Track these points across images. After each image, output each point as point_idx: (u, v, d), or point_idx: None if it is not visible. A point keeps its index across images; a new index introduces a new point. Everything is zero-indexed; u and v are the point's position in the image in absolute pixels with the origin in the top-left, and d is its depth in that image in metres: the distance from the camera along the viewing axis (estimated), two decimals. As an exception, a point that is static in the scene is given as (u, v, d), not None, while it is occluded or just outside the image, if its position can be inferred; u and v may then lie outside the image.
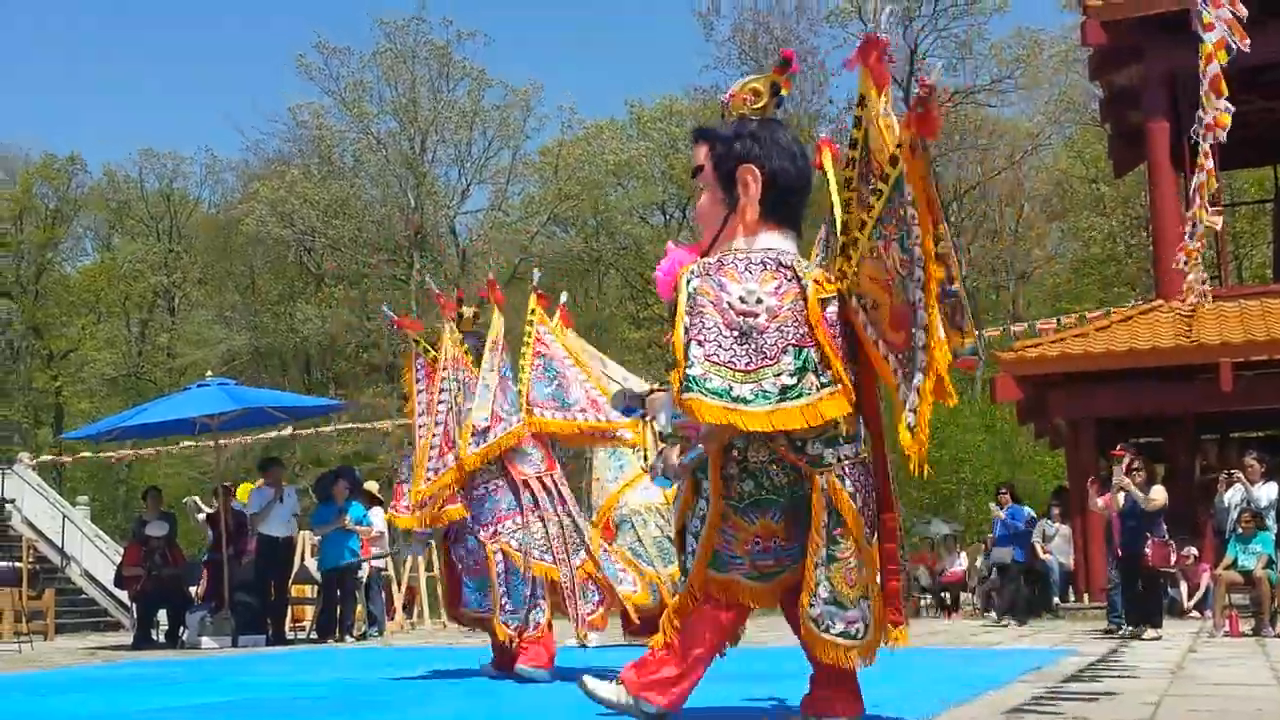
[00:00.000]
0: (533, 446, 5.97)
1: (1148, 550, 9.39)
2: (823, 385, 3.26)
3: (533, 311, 6.32)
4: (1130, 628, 9.46)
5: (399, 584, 16.07)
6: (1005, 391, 15.35)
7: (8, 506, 14.57)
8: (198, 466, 30.10)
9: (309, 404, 16.95)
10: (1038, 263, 35.01)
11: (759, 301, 3.28)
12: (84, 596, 17.60)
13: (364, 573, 12.79)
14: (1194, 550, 13.21)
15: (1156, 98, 14.80)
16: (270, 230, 35.62)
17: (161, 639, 12.20)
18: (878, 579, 3.41)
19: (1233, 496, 11.60)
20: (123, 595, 14.74)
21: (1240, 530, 10.46)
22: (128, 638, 12.83)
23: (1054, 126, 33.95)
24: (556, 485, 6.00)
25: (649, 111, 37.67)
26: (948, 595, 16.06)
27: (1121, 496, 9.59)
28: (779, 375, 3.23)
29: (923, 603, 16.11)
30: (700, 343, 3.25)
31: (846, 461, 3.34)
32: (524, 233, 36.58)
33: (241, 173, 41.13)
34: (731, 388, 3.21)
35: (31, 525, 17.88)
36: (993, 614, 13.49)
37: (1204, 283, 11.71)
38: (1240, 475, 11.49)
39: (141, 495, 12.22)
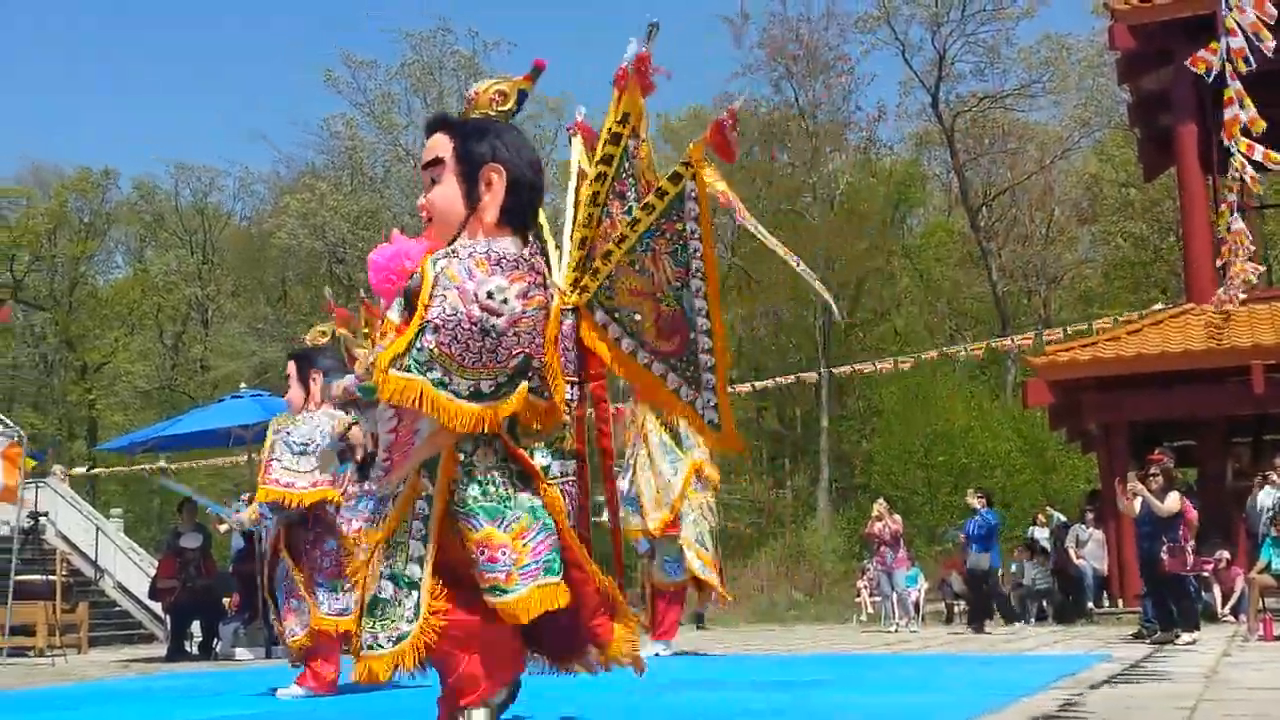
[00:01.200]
0: None
1: (1164, 556, 9.33)
2: (533, 392, 3.19)
3: None
4: (1160, 632, 9.39)
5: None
6: (1037, 396, 15.29)
7: (41, 520, 14.67)
8: (231, 478, 30.31)
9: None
10: (1068, 267, 34.83)
11: (505, 301, 3.13)
12: (117, 609, 17.73)
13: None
14: (1226, 554, 13.10)
15: (1185, 101, 14.70)
16: (301, 242, 35.90)
17: (195, 650, 12.28)
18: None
19: (1265, 500, 11.50)
20: (156, 607, 14.85)
21: (1274, 533, 10.36)
22: (161, 650, 12.92)
23: (1083, 130, 33.78)
24: None
25: (675, 122, 37.74)
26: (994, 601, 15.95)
27: (1138, 502, 9.53)
28: (497, 377, 3.11)
29: (956, 609, 16.02)
30: (435, 328, 3.08)
31: (567, 479, 3.37)
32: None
33: (273, 185, 41.47)
34: (452, 379, 3.08)
35: (65, 538, 18.03)
36: (1024, 621, 13.40)
37: (1242, 279, 11.59)
38: (1273, 478, 11.38)
39: (176, 508, 12.31)
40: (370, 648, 3.12)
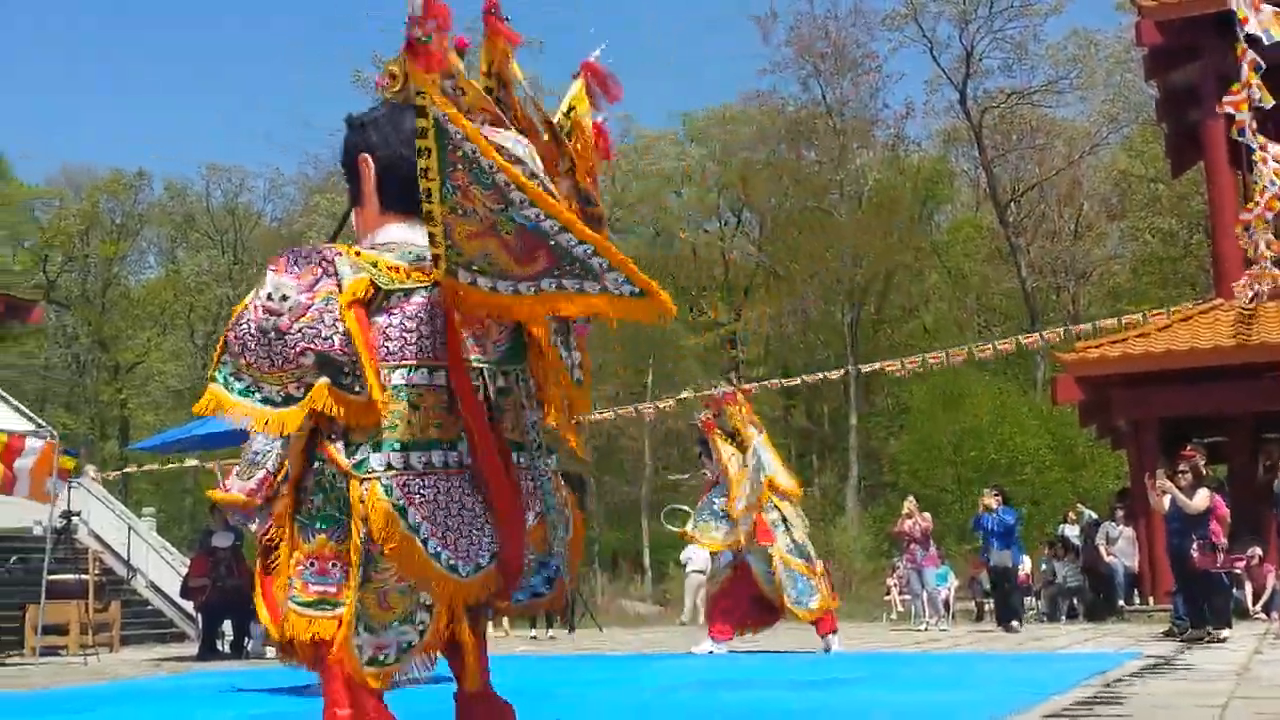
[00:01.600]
0: None
1: (1193, 553, 9.27)
2: (343, 388, 2.96)
3: None
4: (1192, 630, 9.33)
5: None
6: (1066, 393, 15.19)
7: (74, 519, 14.82)
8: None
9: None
10: (1097, 263, 34.62)
11: (284, 299, 2.99)
12: (150, 608, 17.88)
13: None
14: (1258, 551, 12.99)
15: (1212, 96, 14.57)
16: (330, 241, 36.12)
17: (227, 649, 12.37)
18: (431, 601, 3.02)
19: (1297, 496, 11.39)
20: (188, 606, 14.97)
21: (1306, 530, 10.27)
22: (193, 649, 13.02)
23: (1111, 126, 33.57)
24: None
25: (700, 120, 37.73)
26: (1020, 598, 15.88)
27: (1168, 500, 9.47)
28: (299, 378, 2.98)
29: (986, 607, 15.95)
30: (237, 338, 3.01)
31: (410, 471, 2.96)
32: (581, 241, 36.72)
33: (302, 186, 41.74)
34: (261, 388, 3.01)
35: (98, 537, 18.20)
36: (1058, 619, 13.32)
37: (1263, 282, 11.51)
38: (1305, 475, 11.28)
39: (209, 508, 12.40)
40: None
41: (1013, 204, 33.76)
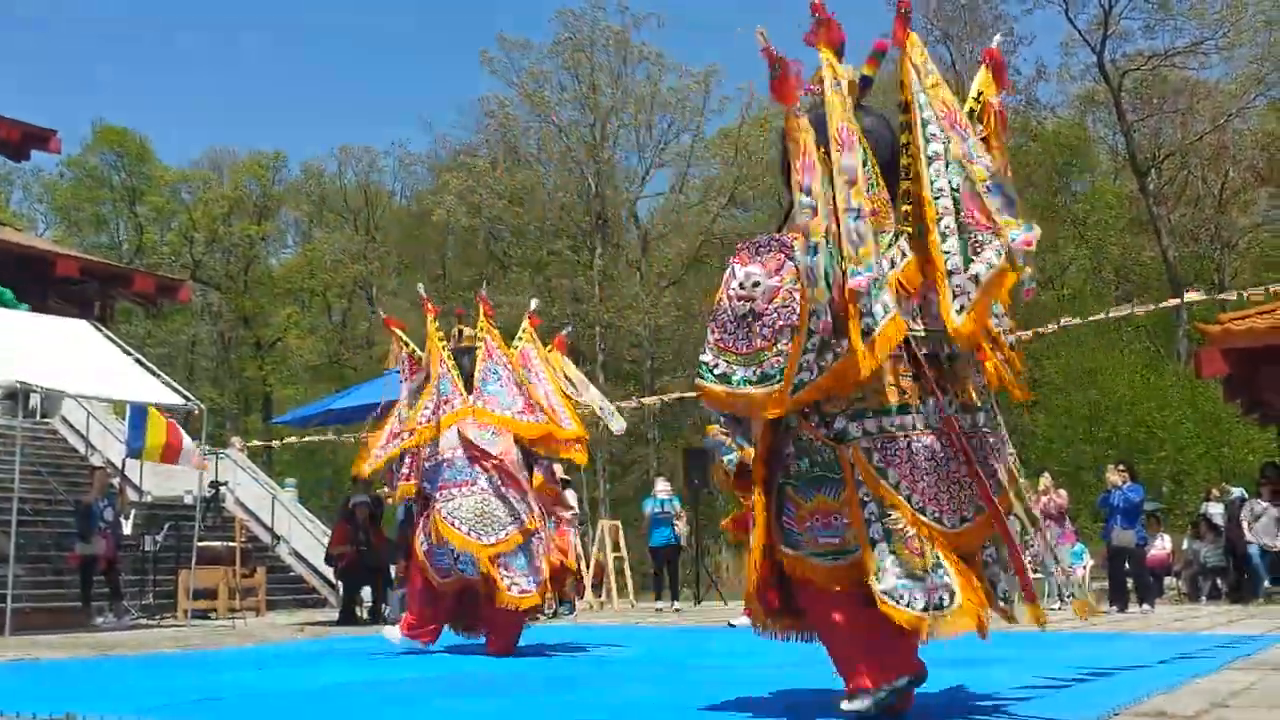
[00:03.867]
0: (491, 434, 6.73)
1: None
2: (829, 362, 3.24)
3: (523, 331, 7.49)
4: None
5: (588, 563, 16.38)
6: (1211, 366, 14.68)
7: (222, 489, 15.43)
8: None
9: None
10: (1244, 231, 33.22)
11: (755, 285, 3.29)
12: (293, 574, 18.51)
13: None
14: None
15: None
16: (459, 220, 36.65)
17: (365, 615, 12.75)
18: (946, 551, 3.25)
19: None
20: (328, 573, 15.46)
21: None
22: (333, 614, 13.45)
23: (1259, 88, 32.08)
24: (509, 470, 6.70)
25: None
26: (1151, 579, 15.45)
27: None
28: (778, 356, 3.24)
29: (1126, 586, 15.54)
30: (713, 329, 3.34)
31: (884, 435, 3.26)
32: (705, 214, 36.67)
33: (431, 165, 42.45)
34: (735, 370, 3.27)
35: (244, 506, 18.90)
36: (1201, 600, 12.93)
37: None
38: None
39: (351, 478, 12.78)
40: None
41: (1154, 170, 32.57)
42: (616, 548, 16.92)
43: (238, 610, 13.15)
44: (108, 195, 44.11)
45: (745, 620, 8.60)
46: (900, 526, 3.21)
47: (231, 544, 14.50)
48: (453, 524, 6.52)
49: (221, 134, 79.01)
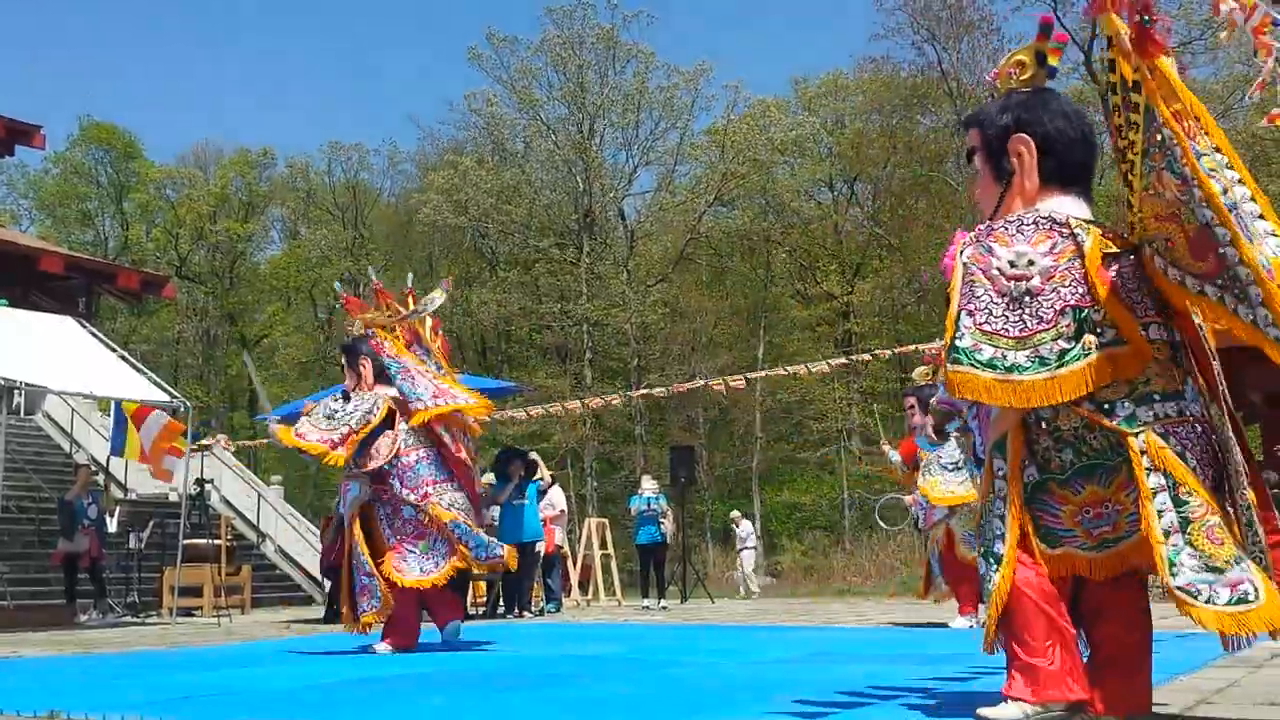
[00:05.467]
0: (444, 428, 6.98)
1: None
2: (1104, 345, 3.07)
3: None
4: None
5: (575, 562, 16.39)
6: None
7: (207, 486, 15.39)
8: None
9: (488, 386, 17.39)
10: (1230, 231, 33.43)
11: (1030, 264, 3.14)
12: (278, 572, 18.49)
13: (540, 549, 13.10)
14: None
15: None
16: (446, 218, 36.63)
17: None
18: (1248, 539, 3.03)
19: None
20: (314, 570, 15.44)
21: None
22: (319, 612, 13.42)
23: (1245, 88, 32.24)
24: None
25: (814, 87, 37.25)
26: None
27: None
28: (1057, 340, 3.08)
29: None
30: (970, 312, 3.14)
31: (1169, 420, 3.09)
32: (692, 213, 36.70)
33: (419, 163, 42.42)
34: (1005, 356, 3.08)
35: (229, 504, 18.87)
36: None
37: None
38: None
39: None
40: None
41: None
42: (603, 545, 16.93)
43: (223, 608, 13.12)
44: (94, 191, 43.94)
45: (963, 621, 8.54)
46: (1201, 514, 3.00)
47: (217, 541, 14.47)
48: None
49: (209, 130, 78.81)
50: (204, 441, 15.98)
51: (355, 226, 43.25)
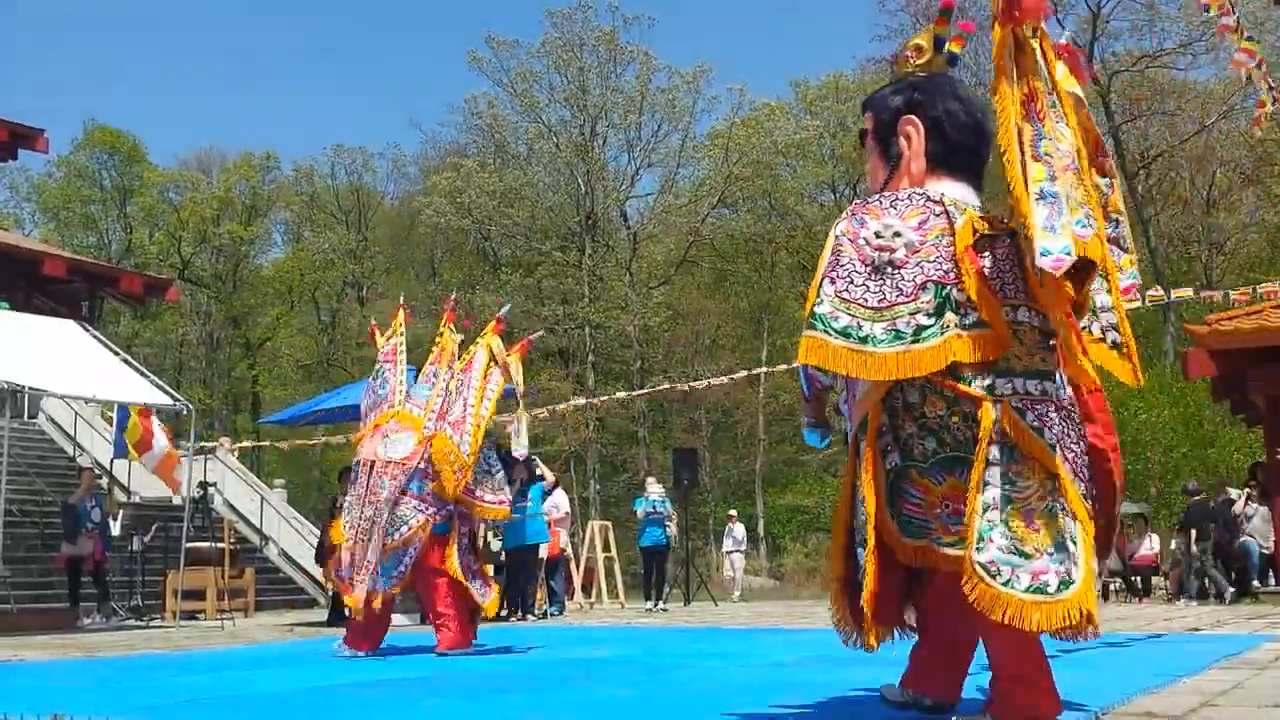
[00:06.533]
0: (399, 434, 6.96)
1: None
2: (966, 326, 2.98)
3: (483, 335, 7.45)
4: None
5: (578, 565, 16.39)
6: (1198, 367, 14.71)
7: (210, 490, 15.41)
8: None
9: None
10: (1232, 231, 33.35)
11: (897, 235, 3.07)
12: (281, 575, 18.48)
13: (544, 552, 13.10)
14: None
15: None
16: (448, 220, 36.65)
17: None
18: (1084, 532, 2.94)
19: None
20: (317, 573, 15.42)
21: None
22: (323, 614, 13.42)
23: (1246, 89, 32.18)
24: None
25: (814, 89, 37.24)
26: (1138, 579, 15.51)
27: None
28: (915, 314, 2.99)
29: (1112, 587, 15.60)
30: (832, 280, 3.06)
31: (1029, 396, 2.99)
32: (694, 215, 36.71)
33: (423, 166, 42.44)
34: (860, 326, 2.99)
35: (232, 507, 18.86)
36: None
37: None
38: None
39: (338, 476, 12.78)
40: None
41: (1142, 171, 32.68)
42: (606, 548, 16.92)
43: (226, 611, 13.12)
44: (97, 195, 43.98)
45: None
46: (1025, 496, 2.91)
47: (220, 545, 14.47)
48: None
49: (211, 134, 78.88)
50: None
51: (359, 229, 43.28)
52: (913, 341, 2.96)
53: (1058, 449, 2.96)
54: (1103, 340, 3.08)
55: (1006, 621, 2.82)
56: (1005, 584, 2.83)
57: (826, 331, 3.00)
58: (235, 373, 42.98)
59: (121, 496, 17.78)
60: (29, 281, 20.36)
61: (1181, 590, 14.42)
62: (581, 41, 35.95)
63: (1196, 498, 15.64)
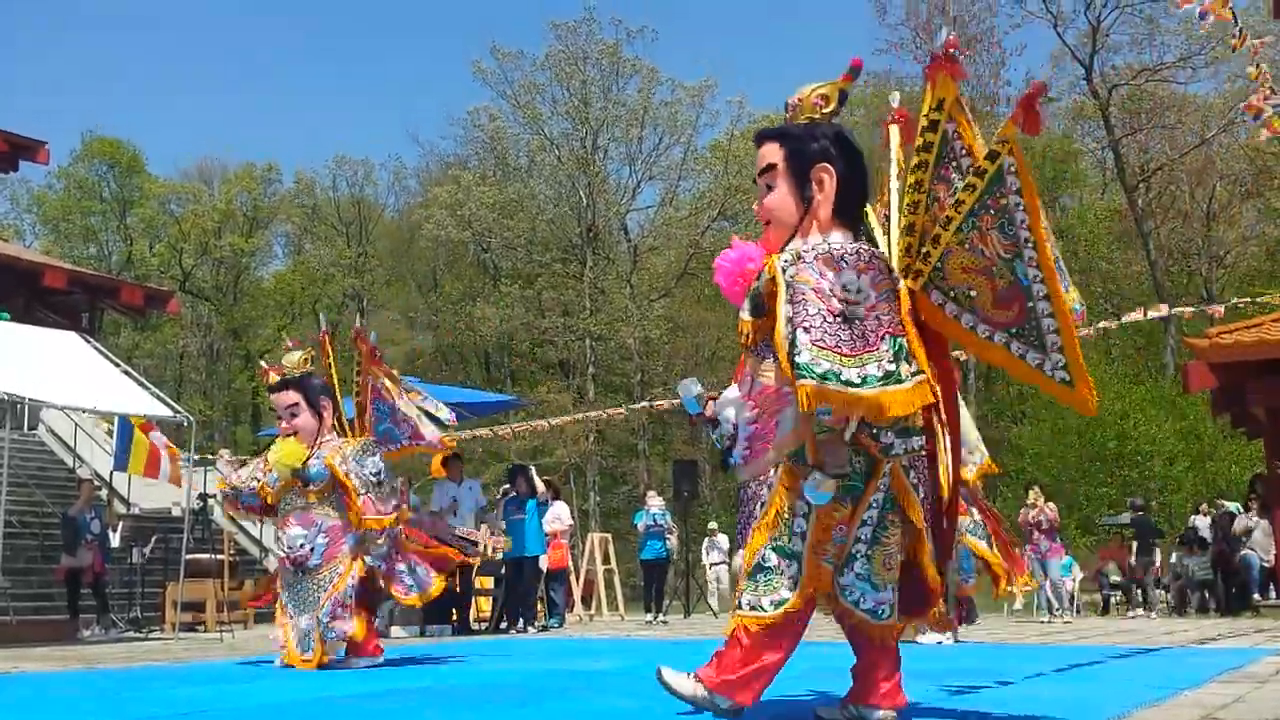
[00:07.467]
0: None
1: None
2: (914, 374, 3.31)
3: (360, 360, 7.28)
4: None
5: (578, 577, 16.36)
6: (1199, 380, 14.72)
7: (209, 501, 15.38)
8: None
9: (490, 400, 17.48)
10: (1232, 244, 33.37)
11: (859, 290, 3.33)
12: (281, 587, 18.44)
13: (543, 564, 13.09)
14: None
15: (1360, 66, 13.93)
16: (449, 233, 36.69)
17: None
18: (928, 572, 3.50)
19: None
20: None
21: None
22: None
23: (1247, 102, 32.27)
24: None
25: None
26: (1139, 592, 15.50)
27: None
28: (880, 362, 3.26)
29: (1113, 600, 15.59)
30: (806, 329, 3.25)
31: (915, 455, 3.40)
32: (695, 228, 36.74)
33: (423, 178, 42.50)
34: (841, 371, 3.21)
35: (232, 519, 18.83)
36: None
37: None
38: None
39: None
40: (753, 607, 3.40)
41: (1142, 184, 32.71)
42: (606, 560, 16.90)
43: (226, 623, 13.10)
44: (97, 207, 44.03)
45: (932, 637, 8.49)
46: (889, 542, 3.40)
47: (219, 556, 14.45)
48: None
49: (212, 136, 79.00)
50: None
51: (359, 242, 43.32)
52: (882, 384, 3.25)
53: (924, 503, 3.43)
54: (1052, 379, 3.36)
55: (859, 630, 3.45)
56: (854, 602, 3.39)
57: (814, 378, 3.20)
58: (235, 385, 42.98)
59: (121, 508, 17.75)
60: (29, 293, 20.37)
61: (1181, 603, 14.42)
62: (585, 54, 36.05)
63: (1140, 513, 15.73)
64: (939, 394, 3.48)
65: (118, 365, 13.64)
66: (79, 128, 58.38)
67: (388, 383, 7.02)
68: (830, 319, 3.27)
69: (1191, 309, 15.42)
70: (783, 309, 3.30)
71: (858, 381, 3.20)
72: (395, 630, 11.81)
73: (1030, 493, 14.34)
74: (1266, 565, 14.02)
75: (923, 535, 3.47)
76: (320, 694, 5.31)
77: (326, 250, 42.98)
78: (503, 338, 37.58)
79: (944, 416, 3.57)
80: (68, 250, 41.23)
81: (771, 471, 3.47)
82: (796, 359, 3.21)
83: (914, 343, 3.39)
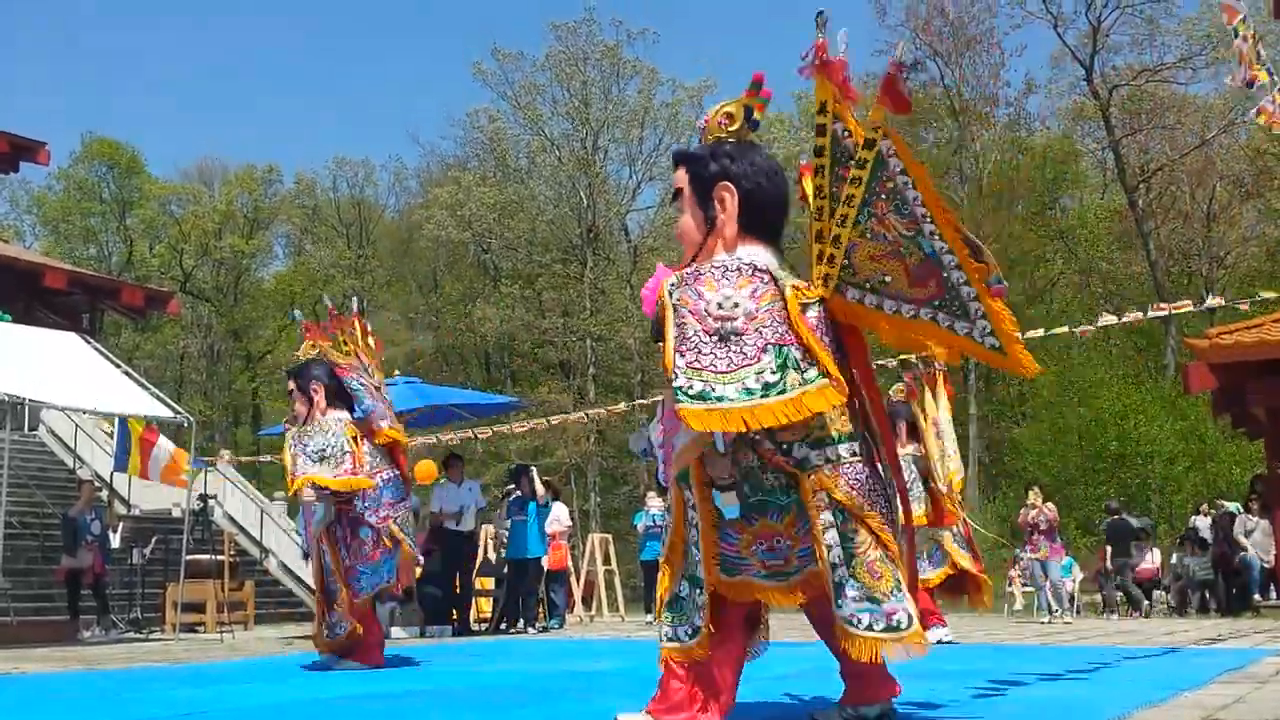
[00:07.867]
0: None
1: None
2: (806, 381, 3.26)
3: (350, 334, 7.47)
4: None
5: (578, 577, 16.36)
6: (1199, 381, 14.72)
7: (210, 502, 15.39)
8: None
9: (490, 401, 17.46)
10: (1232, 245, 33.36)
11: (735, 306, 3.32)
12: (281, 588, 18.45)
13: (544, 564, 13.09)
14: None
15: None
16: (449, 233, 36.69)
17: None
18: (905, 571, 3.41)
19: None
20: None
21: None
22: (323, 627, 13.37)
23: (1247, 103, 32.23)
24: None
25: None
26: (1120, 594, 15.51)
27: None
28: (760, 374, 3.24)
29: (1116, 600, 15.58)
30: (682, 353, 3.28)
31: (842, 462, 3.34)
32: (694, 228, 36.73)
33: (424, 179, 42.49)
34: (714, 389, 3.21)
35: (232, 520, 18.84)
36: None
37: None
38: None
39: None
40: (671, 639, 3.46)
41: (1142, 185, 32.69)
42: (607, 561, 16.90)
43: (226, 624, 13.09)
44: (97, 208, 44.03)
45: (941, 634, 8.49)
46: (864, 549, 3.31)
47: (220, 557, 14.45)
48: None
49: (212, 136, 79.04)
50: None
51: (360, 243, 43.32)
52: (762, 396, 3.22)
53: (869, 504, 3.35)
54: (983, 344, 3.35)
55: (873, 659, 3.31)
56: (866, 629, 3.29)
57: (690, 400, 3.22)
58: (236, 385, 42.98)
59: (121, 509, 17.76)
60: (30, 294, 20.37)
61: (1181, 604, 14.42)
62: (585, 55, 36.05)
63: (1115, 516, 15.76)
64: (863, 398, 3.49)
65: (118, 366, 13.63)
66: (79, 128, 58.44)
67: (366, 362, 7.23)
68: (705, 339, 3.28)
69: (1170, 306, 15.24)
70: (670, 332, 3.34)
71: (732, 397, 3.19)
72: (395, 631, 11.80)
73: (1030, 493, 14.33)
74: (1267, 566, 14.02)
75: (884, 535, 3.39)
76: (319, 694, 5.31)
77: (327, 251, 42.97)
78: (503, 338, 37.58)
79: (872, 421, 3.56)
80: (68, 251, 41.23)
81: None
82: (674, 384, 3.25)
83: (816, 350, 3.32)
